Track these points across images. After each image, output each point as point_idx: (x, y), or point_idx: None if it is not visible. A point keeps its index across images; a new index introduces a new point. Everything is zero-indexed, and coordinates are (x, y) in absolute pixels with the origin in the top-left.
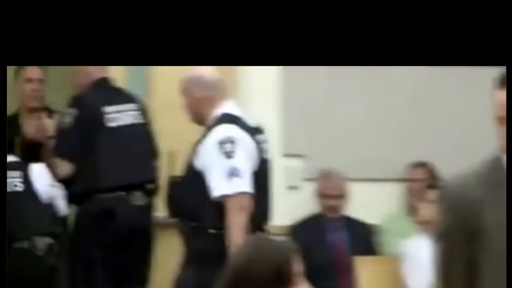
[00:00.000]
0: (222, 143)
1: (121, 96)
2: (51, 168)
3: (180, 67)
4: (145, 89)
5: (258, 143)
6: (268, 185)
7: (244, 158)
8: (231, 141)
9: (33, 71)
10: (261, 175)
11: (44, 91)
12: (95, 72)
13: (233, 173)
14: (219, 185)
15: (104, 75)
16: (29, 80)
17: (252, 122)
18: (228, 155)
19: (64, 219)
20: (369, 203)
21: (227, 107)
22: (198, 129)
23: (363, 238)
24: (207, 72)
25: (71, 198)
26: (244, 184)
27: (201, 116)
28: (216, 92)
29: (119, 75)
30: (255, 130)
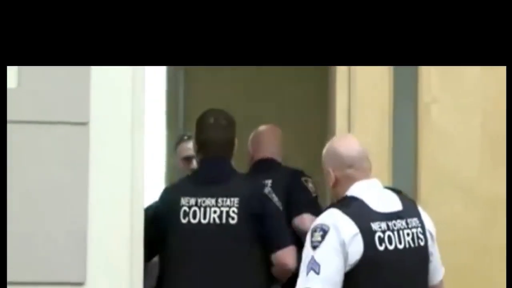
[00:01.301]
0: (314, 231)
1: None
2: None
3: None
4: (414, 95)
5: (372, 231)
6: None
7: (330, 251)
8: (323, 229)
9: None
10: (381, 269)
11: None
12: (254, 154)
13: (311, 266)
14: (299, 279)
15: (263, 156)
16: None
17: (386, 205)
18: (313, 245)
19: None
20: None
21: (358, 187)
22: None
23: None
24: (346, 144)
25: None
26: (318, 281)
27: (337, 197)
28: (353, 171)
29: (384, 75)
30: (381, 215)
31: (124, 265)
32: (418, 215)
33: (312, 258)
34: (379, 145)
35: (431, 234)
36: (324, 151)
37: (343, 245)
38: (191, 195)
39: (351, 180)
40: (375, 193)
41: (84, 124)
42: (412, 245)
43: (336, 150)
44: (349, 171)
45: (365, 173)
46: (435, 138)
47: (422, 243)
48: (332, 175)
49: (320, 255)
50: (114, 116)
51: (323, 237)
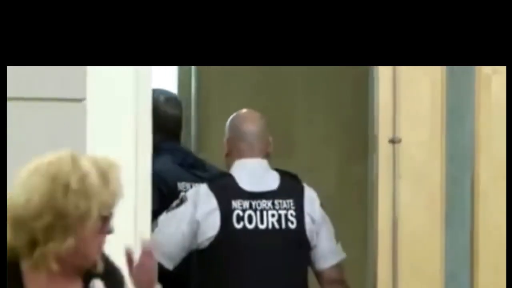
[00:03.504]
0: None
1: None
2: None
3: None
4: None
5: (230, 210)
6: (263, 260)
7: (173, 220)
8: (181, 199)
9: None
10: (238, 246)
11: None
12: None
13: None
14: None
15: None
16: None
17: (260, 186)
18: (167, 209)
19: None
20: None
21: (238, 163)
22: None
23: None
24: (246, 118)
25: None
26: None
27: (229, 168)
28: (243, 146)
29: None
30: (247, 194)
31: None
32: (296, 198)
33: (157, 219)
34: (430, 125)
35: (312, 218)
36: (228, 121)
37: (194, 220)
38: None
39: (239, 155)
40: (251, 172)
41: (80, 101)
42: (277, 226)
43: (235, 122)
44: (240, 145)
45: (255, 152)
46: (495, 117)
47: (292, 226)
48: (225, 145)
49: (163, 218)
50: (114, 91)
51: (178, 205)
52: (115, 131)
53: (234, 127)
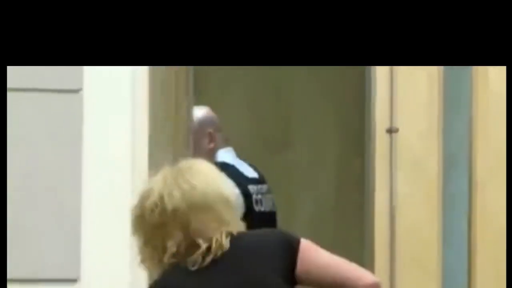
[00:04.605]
0: None
1: None
2: None
3: None
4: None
5: (250, 194)
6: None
7: None
8: None
9: None
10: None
11: None
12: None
13: None
14: None
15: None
16: None
17: (250, 172)
18: None
19: None
20: None
21: (224, 153)
22: None
23: None
24: (209, 109)
25: None
26: None
27: (212, 159)
28: (221, 136)
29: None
30: (252, 180)
31: (124, 260)
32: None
33: None
34: (427, 116)
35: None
36: (202, 115)
37: None
38: None
39: (219, 146)
40: (238, 160)
41: (77, 91)
42: (273, 209)
43: (213, 115)
44: (219, 136)
45: (227, 142)
46: (492, 107)
47: (274, 209)
48: (215, 135)
49: None
50: (111, 82)
51: None
52: (112, 121)
53: (213, 119)
